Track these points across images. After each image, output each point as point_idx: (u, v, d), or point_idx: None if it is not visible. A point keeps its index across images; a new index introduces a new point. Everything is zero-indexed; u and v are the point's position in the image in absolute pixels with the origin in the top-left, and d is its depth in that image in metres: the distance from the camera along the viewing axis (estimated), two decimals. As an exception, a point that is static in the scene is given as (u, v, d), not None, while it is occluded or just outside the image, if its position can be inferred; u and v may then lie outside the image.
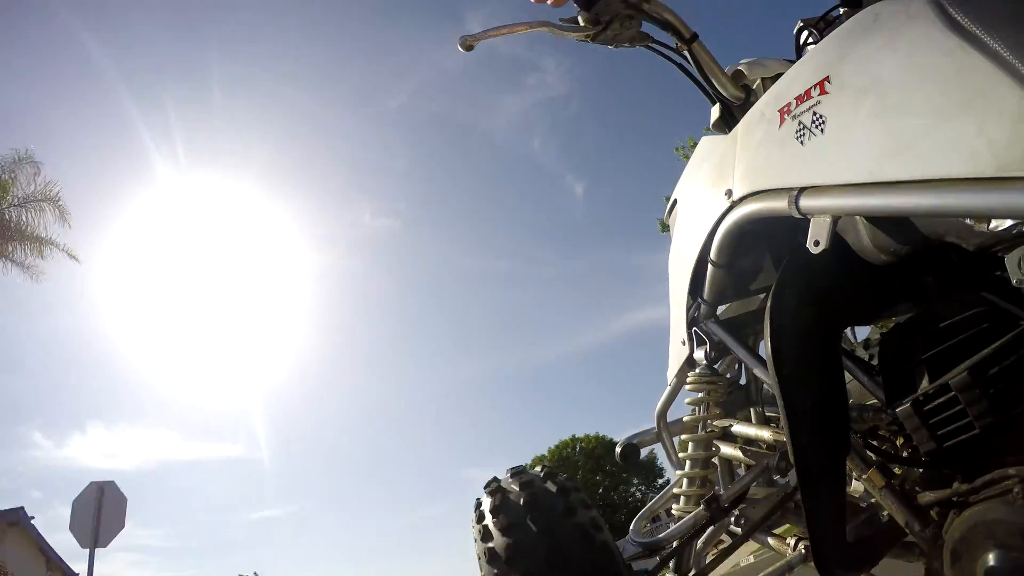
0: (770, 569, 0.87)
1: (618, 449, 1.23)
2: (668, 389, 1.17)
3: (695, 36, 0.96)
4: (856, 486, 0.92)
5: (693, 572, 0.97)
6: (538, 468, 0.99)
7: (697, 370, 1.05)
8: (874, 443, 0.87)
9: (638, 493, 52.25)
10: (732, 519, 0.93)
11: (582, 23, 0.95)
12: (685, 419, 1.06)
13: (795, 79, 0.76)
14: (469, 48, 0.94)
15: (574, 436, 51.51)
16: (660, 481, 52.51)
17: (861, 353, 1.19)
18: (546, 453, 50.73)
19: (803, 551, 0.84)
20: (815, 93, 0.71)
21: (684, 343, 1.08)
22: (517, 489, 0.89)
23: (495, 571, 0.80)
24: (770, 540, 0.97)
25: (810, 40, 1.02)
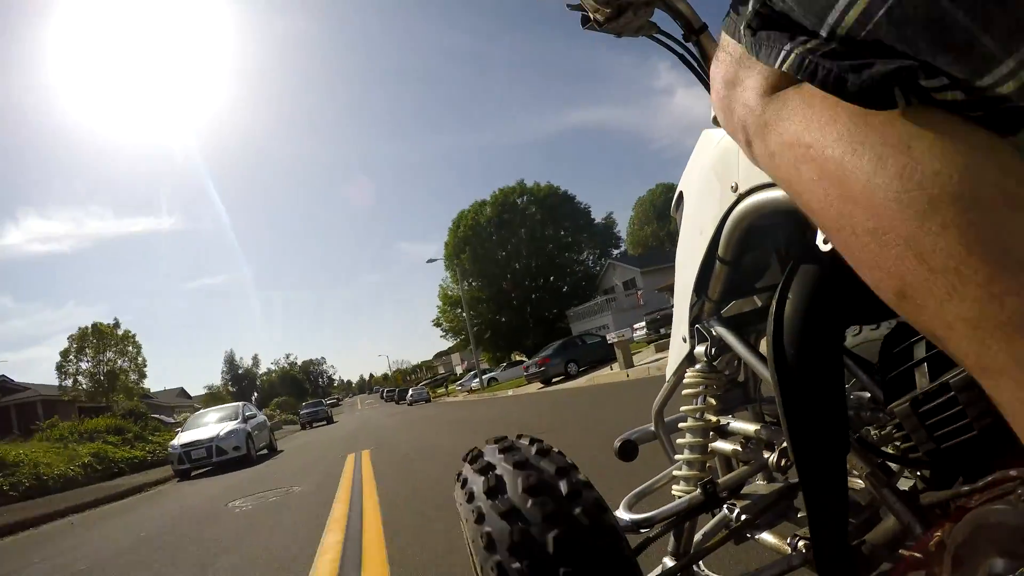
0: (770, 569, 0.87)
1: (616, 445, 1.22)
2: (666, 385, 1.16)
3: (704, 26, 0.92)
4: (858, 487, 0.92)
5: (692, 554, 0.96)
6: (526, 440, 0.94)
7: (697, 366, 1.04)
8: (875, 443, 0.86)
9: (589, 261, 44.03)
10: (733, 515, 0.92)
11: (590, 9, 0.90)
12: (683, 409, 1.06)
13: None
14: None
15: (522, 182, 42.98)
16: (616, 252, 44.66)
17: (860, 351, 1.18)
18: (488, 199, 41.99)
19: (803, 551, 0.83)
20: None
21: (685, 340, 1.07)
22: (511, 468, 0.84)
23: (496, 559, 0.76)
24: (770, 538, 0.97)
25: None
